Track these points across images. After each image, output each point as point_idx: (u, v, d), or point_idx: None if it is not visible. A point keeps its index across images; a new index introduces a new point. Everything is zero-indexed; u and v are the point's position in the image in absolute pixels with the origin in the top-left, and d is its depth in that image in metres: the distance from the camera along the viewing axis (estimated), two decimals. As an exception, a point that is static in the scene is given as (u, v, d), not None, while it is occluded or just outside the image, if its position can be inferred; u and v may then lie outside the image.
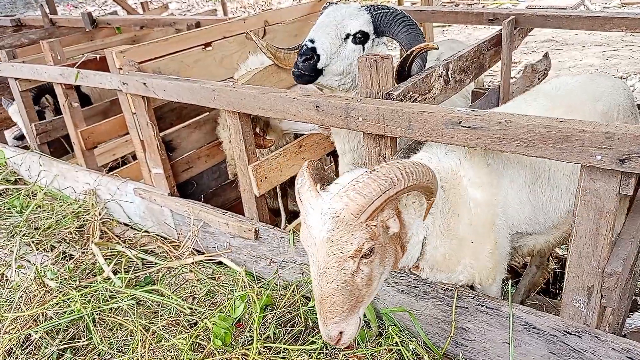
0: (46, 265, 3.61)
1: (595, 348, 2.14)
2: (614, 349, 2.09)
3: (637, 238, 2.25)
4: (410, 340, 2.58)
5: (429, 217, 2.08)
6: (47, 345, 2.87)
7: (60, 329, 2.96)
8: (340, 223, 1.75)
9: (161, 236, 3.95)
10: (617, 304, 2.11)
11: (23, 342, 2.94)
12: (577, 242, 2.02)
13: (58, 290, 3.24)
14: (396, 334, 2.59)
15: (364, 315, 2.73)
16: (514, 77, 3.54)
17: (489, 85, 4.31)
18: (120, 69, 3.49)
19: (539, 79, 3.74)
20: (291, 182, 4.13)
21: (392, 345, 2.55)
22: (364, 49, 2.73)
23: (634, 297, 3.40)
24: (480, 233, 2.28)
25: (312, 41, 2.62)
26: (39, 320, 3.00)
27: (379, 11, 2.70)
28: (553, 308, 3.19)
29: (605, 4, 11.94)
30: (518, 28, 3.39)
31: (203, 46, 3.95)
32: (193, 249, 3.64)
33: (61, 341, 2.90)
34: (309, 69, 2.61)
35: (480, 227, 2.26)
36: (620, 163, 1.75)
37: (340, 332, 1.86)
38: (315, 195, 1.85)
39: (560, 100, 2.55)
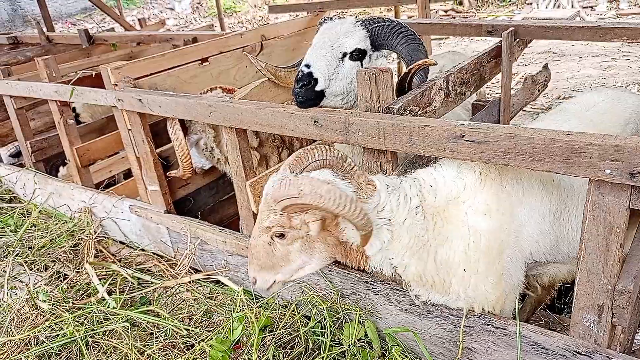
0: (39, 286, 3.53)
1: (607, 369, 2.06)
2: (627, 370, 2.01)
3: (647, 253, 2.18)
4: (414, 361, 2.50)
5: (385, 233, 2.14)
6: (38, 370, 2.78)
7: (52, 353, 2.87)
8: (265, 201, 2.12)
9: (158, 254, 3.87)
10: (628, 322, 2.04)
11: (14, 367, 2.85)
12: (587, 258, 1.94)
13: (50, 312, 3.15)
14: (399, 355, 2.51)
15: (365, 335, 2.65)
16: (514, 88, 3.50)
17: (489, 97, 4.27)
18: (116, 85, 3.44)
19: (539, 90, 3.70)
20: None
21: (396, 366, 2.46)
22: (362, 65, 2.68)
23: (643, 312, 3.32)
24: (480, 263, 2.18)
25: (307, 66, 2.55)
26: (30, 344, 2.91)
27: (374, 25, 2.64)
28: (559, 324, 3.10)
29: (600, 15, 12.01)
30: (517, 40, 3.35)
31: (200, 62, 3.91)
32: (190, 267, 3.56)
33: (53, 366, 2.81)
34: (308, 94, 2.53)
35: (482, 257, 2.17)
36: (630, 177, 1.69)
37: (255, 278, 2.28)
38: (281, 172, 2.18)
39: (590, 122, 2.53)
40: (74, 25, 19.47)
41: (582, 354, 2.10)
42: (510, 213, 2.18)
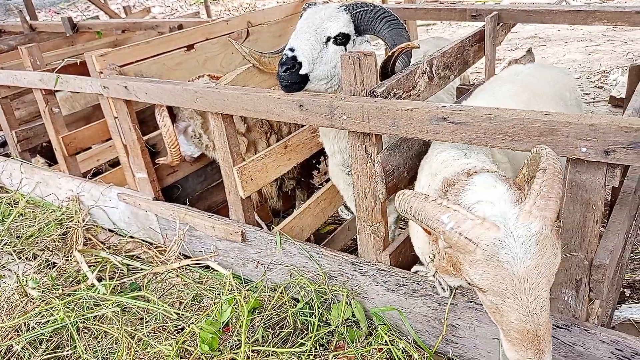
0: (28, 274, 3.53)
1: (584, 341, 2.13)
2: (603, 341, 2.09)
3: (623, 230, 2.25)
4: (400, 339, 2.56)
5: None
6: (29, 356, 2.80)
7: (43, 338, 2.89)
8: (544, 241, 1.54)
9: (147, 241, 3.89)
10: (605, 296, 2.11)
11: (5, 353, 2.86)
12: (565, 235, 2.01)
13: (40, 299, 3.16)
14: (386, 333, 2.57)
15: (353, 315, 2.71)
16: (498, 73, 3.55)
17: (474, 82, 4.31)
18: (101, 72, 3.43)
19: (523, 74, 3.75)
20: (305, 171, 4.11)
21: (382, 344, 2.53)
22: (346, 50, 2.69)
23: (622, 288, 3.42)
24: None
25: (292, 49, 2.55)
26: (21, 331, 2.93)
27: (358, 9, 2.65)
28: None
29: (587, 0, 12.07)
30: (501, 24, 3.39)
31: (185, 48, 3.90)
32: (179, 253, 3.59)
33: (44, 351, 2.83)
34: (293, 77, 2.54)
35: None
36: (605, 155, 1.75)
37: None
38: (492, 226, 1.56)
39: (524, 85, 2.74)
40: (58, 13, 19.16)
41: (561, 328, 2.17)
42: None
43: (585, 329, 2.12)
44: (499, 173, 1.90)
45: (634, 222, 3.13)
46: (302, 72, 2.53)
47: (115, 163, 5.14)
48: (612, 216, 2.28)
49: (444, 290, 2.40)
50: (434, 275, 2.34)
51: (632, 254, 3.74)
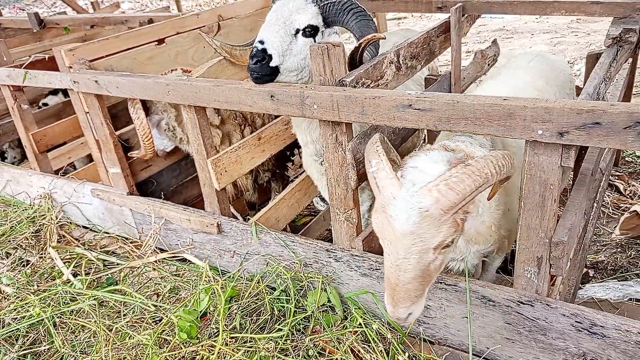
0: (2, 272, 3.50)
1: (546, 315, 2.25)
2: (564, 315, 2.21)
3: (582, 209, 2.38)
4: (373, 321, 2.64)
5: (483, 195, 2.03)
6: (5, 351, 2.79)
7: (19, 334, 2.89)
8: (427, 218, 1.74)
9: (122, 237, 3.88)
10: (565, 272, 2.22)
11: (-20, 350, 2.85)
12: (525, 215, 2.11)
13: (15, 295, 3.15)
14: (360, 317, 2.65)
15: (328, 300, 2.78)
16: (465, 66, 3.66)
17: (441, 73, 4.41)
18: (71, 67, 3.40)
19: (488, 64, 3.87)
20: (280, 163, 4.15)
21: (357, 327, 2.61)
22: (315, 41, 2.75)
23: (585, 269, 3.58)
24: (515, 202, 2.31)
25: (261, 42, 2.60)
26: (-4, 328, 2.92)
27: (326, 2, 2.71)
28: (508, 284, 3.32)
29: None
30: (466, 15, 3.49)
31: (156, 42, 3.89)
32: (155, 247, 3.60)
33: (21, 347, 2.83)
34: (263, 69, 2.59)
35: (516, 197, 2.29)
36: (559, 136, 1.85)
37: (410, 314, 1.94)
38: (397, 184, 1.80)
39: (538, 73, 3.00)
40: (23, 10, 18.65)
41: (524, 304, 2.28)
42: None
43: (547, 304, 2.24)
44: (456, 153, 2.04)
45: (595, 204, 3.29)
46: (272, 64, 2.57)
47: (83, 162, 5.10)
48: (570, 197, 2.40)
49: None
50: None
51: (594, 236, 3.92)
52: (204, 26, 4.26)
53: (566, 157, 1.94)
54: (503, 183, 2.04)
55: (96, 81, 3.25)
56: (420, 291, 1.91)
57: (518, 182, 2.17)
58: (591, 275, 3.59)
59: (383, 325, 2.65)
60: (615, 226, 3.86)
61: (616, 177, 4.48)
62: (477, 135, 2.32)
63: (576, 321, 2.19)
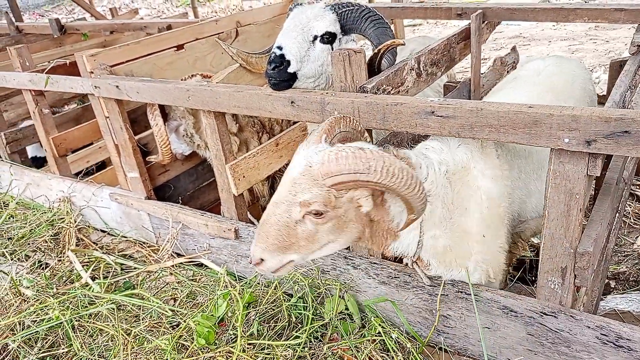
0: (21, 275, 3.53)
1: (570, 327, 2.20)
2: (589, 327, 2.16)
3: (606, 219, 2.33)
4: (392, 329, 2.62)
5: (427, 206, 1.98)
6: (25, 354, 2.81)
7: (38, 337, 2.91)
8: (308, 173, 1.85)
9: (139, 241, 3.90)
10: (590, 283, 2.18)
11: (0, 352, 2.87)
12: (550, 224, 2.08)
13: (35, 298, 3.17)
14: (379, 325, 2.62)
15: (346, 308, 2.76)
16: (484, 73, 3.63)
17: (460, 80, 4.39)
18: (92, 72, 3.44)
19: (507, 71, 3.84)
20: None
21: (375, 335, 2.58)
22: (332, 49, 2.75)
23: (607, 280, 3.51)
24: (493, 227, 2.25)
25: (279, 48, 2.61)
26: (16, 330, 2.94)
27: (344, 9, 2.71)
28: (530, 295, 3.26)
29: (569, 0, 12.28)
30: (486, 22, 3.47)
31: (175, 48, 3.93)
32: (172, 251, 3.61)
33: (40, 350, 2.84)
34: (281, 75, 2.59)
35: (494, 221, 2.24)
36: (587, 145, 1.82)
37: (262, 259, 1.99)
38: (317, 140, 1.94)
39: (543, 84, 2.74)
40: (42, 16, 18.99)
41: (547, 314, 2.24)
42: (508, 176, 2.29)
43: (571, 316, 2.20)
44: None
45: (617, 214, 3.23)
46: (290, 70, 2.58)
47: (99, 167, 5.13)
48: (595, 206, 2.36)
49: (422, 279, 2.48)
50: (412, 264, 2.43)
51: (616, 246, 3.84)
52: (222, 32, 4.29)
53: (592, 165, 1.90)
54: (410, 212, 1.92)
55: (117, 86, 3.28)
56: (279, 244, 1.95)
57: (475, 208, 2.18)
58: (613, 286, 3.52)
59: (402, 335, 2.62)
60: (637, 236, 3.79)
61: (638, 187, 4.40)
62: (456, 153, 2.25)
63: (602, 334, 2.14)
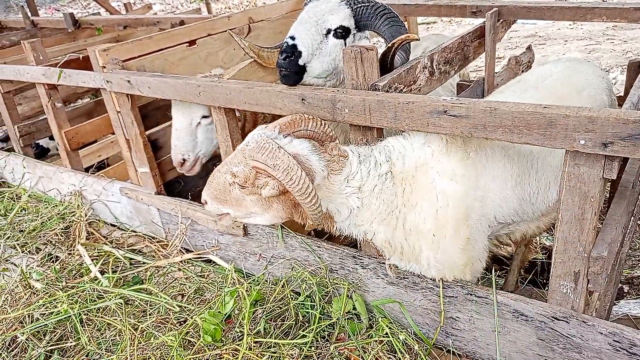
0: (32, 267, 3.56)
1: (582, 333, 2.16)
2: (601, 333, 2.11)
3: (621, 223, 2.28)
4: (400, 331, 2.59)
5: (355, 201, 2.23)
6: (33, 347, 2.83)
7: (47, 330, 2.92)
8: (244, 149, 2.17)
9: (149, 235, 3.91)
10: (603, 288, 2.14)
11: (9, 344, 2.89)
12: (563, 227, 2.03)
13: (44, 291, 3.19)
14: (386, 326, 2.60)
15: (354, 308, 2.74)
16: (498, 72, 3.56)
17: (473, 79, 4.33)
18: (104, 67, 3.45)
19: (522, 70, 3.77)
20: None
21: (383, 336, 2.56)
22: (345, 44, 2.73)
23: (620, 284, 3.45)
24: (449, 228, 2.25)
25: (292, 38, 2.60)
26: (25, 322, 2.96)
27: (359, 5, 2.69)
28: (541, 298, 3.22)
29: (587, -1, 12.09)
30: (501, 20, 3.41)
31: (187, 44, 3.92)
32: (181, 247, 3.61)
33: (48, 342, 2.86)
34: (292, 66, 2.58)
35: (450, 222, 2.24)
36: (603, 147, 1.77)
37: (206, 201, 2.37)
38: (271, 127, 2.22)
39: (547, 91, 2.59)
40: (58, 10, 19.15)
41: (559, 319, 2.20)
42: (475, 179, 2.26)
43: (583, 321, 2.15)
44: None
45: (632, 217, 3.16)
46: (300, 61, 2.57)
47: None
48: (610, 210, 2.31)
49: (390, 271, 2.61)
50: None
51: (630, 250, 3.78)
52: (234, 28, 4.28)
53: (609, 168, 1.86)
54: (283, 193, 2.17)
55: (129, 81, 3.28)
56: (218, 197, 2.31)
57: (428, 206, 2.23)
58: (626, 291, 3.46)
59: (410, 336, 2.59)
60: (653, 241, 3.71)
61: (654, 190, 4.31)
62: (416, 152, 2.31)
63: (614, 340, 2.09)
